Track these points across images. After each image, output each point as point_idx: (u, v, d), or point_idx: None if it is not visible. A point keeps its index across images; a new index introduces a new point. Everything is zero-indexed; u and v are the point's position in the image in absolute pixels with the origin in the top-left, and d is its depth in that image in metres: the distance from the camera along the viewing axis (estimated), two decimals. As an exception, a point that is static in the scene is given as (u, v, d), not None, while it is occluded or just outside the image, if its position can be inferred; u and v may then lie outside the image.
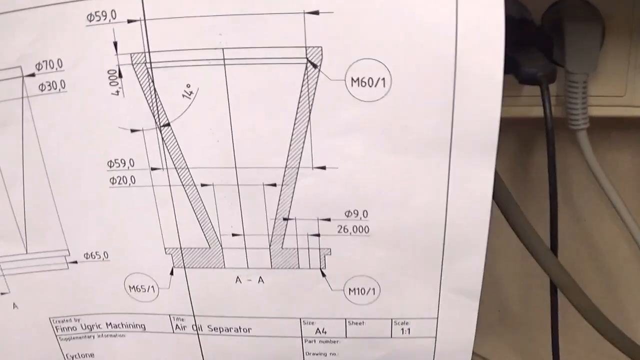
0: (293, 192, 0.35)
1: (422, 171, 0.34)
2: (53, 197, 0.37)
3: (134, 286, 0.39)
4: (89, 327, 0.41)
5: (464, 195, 0.34)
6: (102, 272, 0.39)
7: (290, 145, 0.34)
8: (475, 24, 0.30)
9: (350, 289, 0.38)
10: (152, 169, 0.36)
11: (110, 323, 0.41)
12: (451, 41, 0.31)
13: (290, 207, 0.35)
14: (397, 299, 0.38)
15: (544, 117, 0.38)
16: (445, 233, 0.35)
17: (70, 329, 0.41)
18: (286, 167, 0.34)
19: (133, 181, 0.36)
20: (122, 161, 0.36)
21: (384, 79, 0.32)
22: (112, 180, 0.36)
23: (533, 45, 0.40)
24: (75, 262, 0.39)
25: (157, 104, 0.34)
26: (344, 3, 0.31)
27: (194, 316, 0.40)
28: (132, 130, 0.35)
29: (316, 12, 0.31)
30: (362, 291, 0.38)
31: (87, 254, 0.38)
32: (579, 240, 0.53)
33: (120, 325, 0.41)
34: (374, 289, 0.38)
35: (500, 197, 0.35)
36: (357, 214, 0.35)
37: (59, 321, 0.41)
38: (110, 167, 0.36)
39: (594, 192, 0.51)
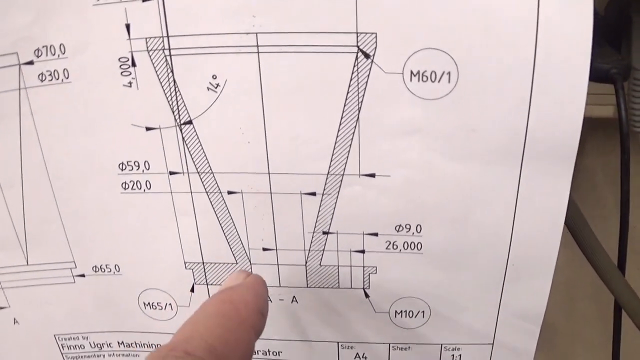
0: (335, 203, 0.29)
1: (488, 182, 0.27)
2: (56, 203, 0.31)
3: (149, 303, 0.33)
4: (99, 345, 0.35)
5: (534, 210, 0.28)
6: (114, 287, 0.33)
7: (334, 149, 0.27)
8: (560, 13, 0.24)
9: (396, 312, 0.32)
10: (171, 173, 0.29)
11: (123, 342, 0.35)
12: (532, 32, 0.24)
13: (331, 219, 0.29)
14: (449, 322, 0.32)
15: (618, 119, 0.31)
16: (509, 253, 0.29)
17: (77, 347, 0.35)
18: (328, 173, 0.28)
19: (148, 186, 0.30)
20: (136, 164, 0.29)
21: (449, 73, 0.25)
22: (124, 185, 0.30)
23: (600, 38, 0.33)
24: (83, 275, 0.33)
25: (177, 98, 0.27)
26: (406, -19, 0.24)
27: (216, 337, 0.34)
28: (148, 128, 0.28)
29: (372, -8, 0.24)
30: (410, 314, 0.31)
31: (95, 266, 0.32)
32: (630, 247, 0.46)
33: (134, 345, 0.35)
34: (423, 311, 0.31)
35: (570, 213, 0.29)
36: (410, 229, 0.29)
37: (65, 339, 0.35)
38: (122, 169, 0.29)
39: None
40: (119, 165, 0.29)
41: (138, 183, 0.30)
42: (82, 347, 0.35)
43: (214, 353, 0.22)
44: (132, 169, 0.29)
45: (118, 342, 0.35)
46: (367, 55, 0.25)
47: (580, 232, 0.31)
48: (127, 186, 0.30)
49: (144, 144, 0.29)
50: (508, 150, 0.26)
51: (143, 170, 0.29)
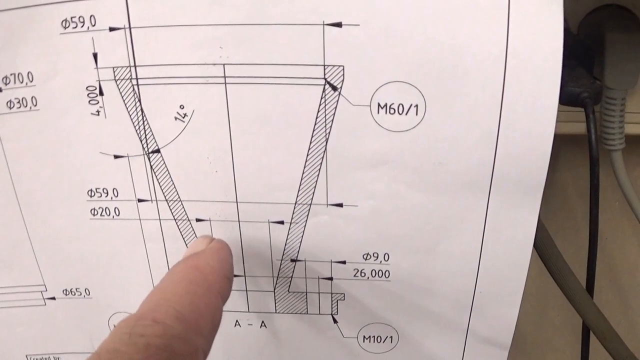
0: (303, 232, 0.27)
1: (456, 213, 0.26)
2: (26, 228, 0.29)
3: (119, 326, 0.32)
4: (70, 366, 0.34)
5: (501, 241, 0.27)
6: (84, 310, 0.31)
7: (301, 179, 0.26)
8: (529, 48, 0.23)
9: (364, 337, 0.30)
10: (139, 200, 0.28)
11: (94, 363, 0.34)
12: (500, 65, 0.23)
13: (299, 247, 0.28)
14: (417, 347, 0.31)
15: (588, 143, 0.31)
16: (477, 281, 0.28)
17: (49, 368, 0.34)
18: (296, 203, 0.27)
19: (117, 213, 0.28)
20: (105, 190, 0.28)
21: (417, 105, 0.24)
22: (92, 211, 0.28)
23: (572, 58, 0.33)
24: (53, 298, 0.31)
25: (144, 127, 0.26)
26: (373, 15, 0.23)
27: None
28: (116, 157, 0.27)
29: (338, 24, 0.23)
30: (378, 339, 0.30)
31: (66, 290, 0.31)
32: (601, 259, 0.45)
33: (105, 366, 0.33)
34: (391, 337, 0.30)
35: (539, 239, 0.28)
36: (377, 257, 0.28)
37: (36, 359, 0.34)
38: (91, 196, 0.28)
39: (618, 209, 0.44)
40: (88, 192, 0.28)
41: (107, 209, 0.28)
42: (54, 367, 0.34)
43: (182, 319, 0.21)
44: (101, 195, 0.28)
45: (90, 364, 0.34)
46: (334, 88, 0.24)
47: (549, 256, 0.30)
48: (95, 212, 0.28)
49: (113, 172, 0.27)
50: (475, 183, 0.25)
51: (112, 197, 0.28)
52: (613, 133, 0.36)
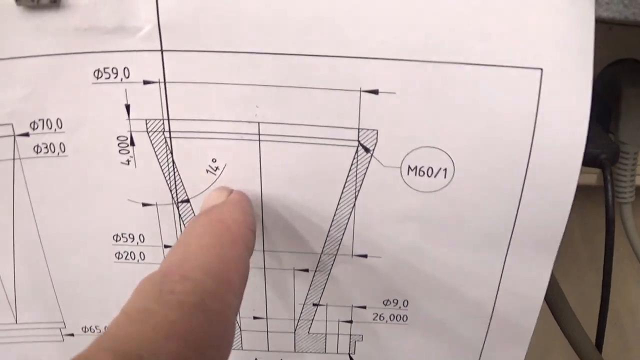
0: (327, 279, 0.27)
1: (475, 266, 0.26)
2: (48, 269, 0.28)
3: (137, 360, 0.31)
4: (85, 395, 0.33)
5: (515, 292, 0.27)
6: (102, 345, 0.31)
7: (329, 232, 0.26)
8: (557, 117, 0.23)
9: (378, 375, 0.31)
10: (166, 246, 0.27)
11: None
12: (528, 134, 0.23)
13: (322, 293, 0.28)
14: (428, 383, 0.31)
15: (605, 204, 0.30)
16: (489, 325, 0.28)
17: (64, 398, 0.33)
18: (322, 253, 0.27)
19: (142, 257, 0.28)
20: (131, 236, 0.27)
21: (445, 169, 0.24)
22: (117, 255, 0.28)
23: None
24: (72, 334, 0.30)
25: (175, 178, 0.26)
26: (409, 84, 0.23)
27: (203, 392, 0.32)
28: (144, 204, 0.26)
29: (375, 92, 0.23)
30: (392, 377, 0.31)
31: (85, 327, 0.30)
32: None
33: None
34: (404, 374, 0.30)
35: (551, 293, 0.28)
36: (397, 303, 0.28)
37: (51, 390, 0.33)
38: (117, 241, 0.27)
39: (623, 255, 0.44)
40: (114, 236, 0.27)
41: (132, 254, 0.28)
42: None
43: (212, 274, 0.19)
44: (127, 240, 0.27)
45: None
46: (367, 150, 0.24)
47: (560, 311, 0.30)
48: (120, 256, 0.28)
49: (140, 219, 0.27)
50: (496, 239, 0.25)
51: (137, 243, 0.27)
52: (624, 186, 0.36)
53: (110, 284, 0.28)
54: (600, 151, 0.29)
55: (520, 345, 0.28)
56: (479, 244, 0.26)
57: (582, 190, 0.38)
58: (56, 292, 0.29)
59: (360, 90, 0.23)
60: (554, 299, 0.29)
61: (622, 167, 0.35)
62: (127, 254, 0.28)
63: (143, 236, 0.27)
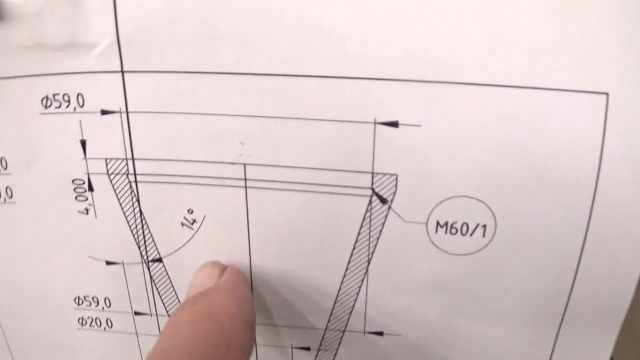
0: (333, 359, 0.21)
1: (517, 347, 0.20)
2: (4, 335, 0.23)
3: None
4: None
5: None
6: None
7: (335, 302, 0.20)
8: (625, 155, 0.17)
9: None
10: (136, 313, 0.22)
11: None
12: (591, 177, 0.17)
13: (327, 376, 0.22)
14: None
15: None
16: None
17: None
18: (327, 329, 0.21)
19: (110, 325, 0.22)
20: (95, 299, 0.22)
21: (484, 226, 0.18)
22: (80, 321, 0.22)
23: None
24: (33, 409, 0.25)
25: (143, 232, 0.20)
26: (440, 114, 0.17)
27: None
28: (108, 263, 0.21)
29: (394, 124, 0.17)
30: None
31: (47, 402, 0.25)
32: None
33: None
34: None
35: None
36: (421, 391, 0.22)
37: None
38: (78, 304, 0.22)
39: None
40: (75, 299, 0.22)
41: (97, 320, 0.22)
42: None
43: None
44: (90, 304, 0.22)
45: None
46: (383, 200, 0.18)
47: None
48: (84, 322, 0.22)
49: (104, 279, 0.21)
50: (546, 314, 0.19)
51: (103, 307, 0.22)
52: None
53: (73, 354, 0.23)
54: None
55: None
56: (525, 320, 0.19)
57: None
58: (14, 358, 0.24)
59: (375, 122, 0.17)
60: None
61: None
62: (92, 320, 0.22)
63: (109, 300, 0.22)
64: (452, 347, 0.20)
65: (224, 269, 0.19)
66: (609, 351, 0.20)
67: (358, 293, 0.20)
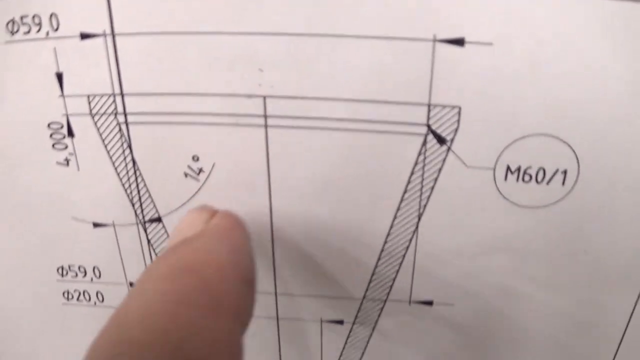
0: (370, 335, 0.17)
1: (591, 316, 0.16)
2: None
3: None
4: None
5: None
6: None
7: (376, 266, 0.16)
8: None
9: None
10: (132, 284, 0.17)
11: None
12: None
13: (361, 356, 0.18)
14: None
15: None
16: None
17: None
18: (365, 298, 0.16)
19: (100, 299, 0.18)
20: (82, 269, 0.17)
21: (565, 172, 0.14)
22: (66, 295, 0.18)
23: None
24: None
25: (138, 186, 0.16)
26: (514, 30, 0.12)
27: None
28: (95, 225, 0.16)
29: (459, 42, 0.13)
30: None
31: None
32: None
33: None
34: None
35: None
36: (474, 367, 0.18)
37: None
38: (62, 275, 0.18)
39: None
40: (58, 269, 0.17)
41: (86, 294, 0.18)
42: None
43: None
44: (77, 275, 0.17)
45: None
46: (441, 140, 0.14)
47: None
48: (70, 296, 0.18)
49: (91, 245, 0.17)
50: (627, 278, 0.15)
51: (92, 279, 0.17)
52: None
53: (59, 333, 0.19)
54: None
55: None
56: (604, 286, 0.15)
57: None
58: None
59: (434, 40, 0.13)
60: None
61: None
62: (80, 293, 0.18)
63: (98, 270, 0.17)
64: (517, 320, 0.16)
65: (213, 213, 0.14)
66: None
67: (404, 255, 0.15)
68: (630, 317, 0.16)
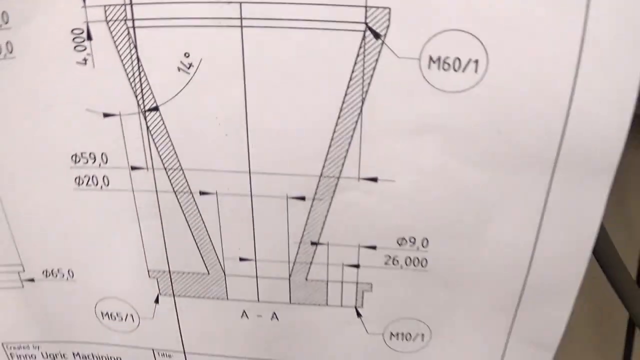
0: (328, 210, 0.23)
1: (511, 192, 0.21)
2: (1, 200, 0.24)
3: (107, 313, 0.27)
4: (52, 356, 0.29)
5: (562, 226, 0.22)
6: (67, 294, 0.26)
7: (329, 147, 0.21)
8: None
9: (392, 334, 0.26)
10: (133, 168, 0.23)
11: (78, 353, 0.29)
12: (580, 17, 0.18)
13: (322, 228, 0.23)
14: (451, 348, 0.26)
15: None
16: (528, 274, 0.23)
17: (28, 357, 0.29)
18: (322, 175, 0.22)
19: (106, 183, 0.23)
20: (92, 156, 0.23)
21: (477, 61, 0.19)
22: (77, 180, 0.23)
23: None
24: (32, 279, 0.26)
25: (140, 80, 0.21)
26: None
27: (184, 353, 0.28)
28: (105, 115, 0.22)
29: (386, -47, 0.18)
30: (407, 337, 0.26)
31: (46, 271, 0.26)
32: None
33: (90, 357, 0.29)
34: (422, 334, 0.26)
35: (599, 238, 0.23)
36: (414, 243, 0.23)
37: (14, 347, 0.29)
38: (75, 162, 0.23)
39: None
40: (72, 157, 0.23)
41: (94, 178, 0.23)
42: (34, 357, 0.29)
43: None
44: (87, 161, 0.23)
45: (73, 354, 0.29)
46: (377, 35, 0.19)
47: (601, 245, 0.25)
48: (80, 181, 0.23)
49: (101, 133, 0.22)
50: (538, 156, 0.20)
51: (100, 164, 0.23)
52: None
53: (70, 217, 0.24)
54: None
55: (565, 299, 0.23)
56: (518, 163, 0.21)
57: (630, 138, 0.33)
58: (11, 229, 0.25)
59: (367, -47, 0.18)
60: (602, 246, 0.24)
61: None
62: (89, 178, 0.23)
63: (106, 155, 0.23)
64: (446, 193, 0.22)
65: None
66: (604, 198, 0.21)
67: (352, 135, 0.21)
68: (548, 193, 0.21)
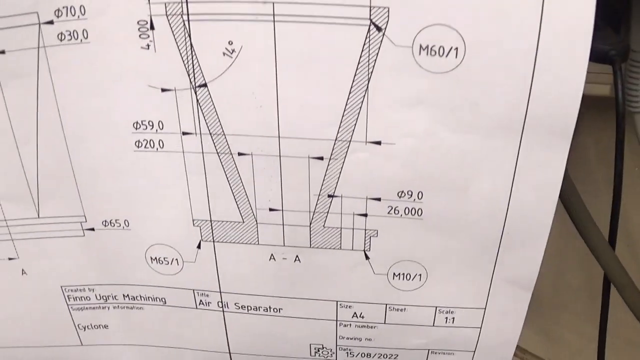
0: (342, 168, 0.31)
1: (488, 154, 0.30)
2: (70, 159, 0.33)
3: (156, 258, 0.36)
4: (104, 297, 0.38)
5: (531, 182, 0.30)
6: (122, 242, 0.35)
7: (342, 117, 0.30)
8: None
9: (394, 274, 0.34)
10: (184, 133, 0.31)
11: (128, 295, 0.38)
12: (536, 15, 0.26)
13: (337, 183, 0.31)
14: (444, 286, 0.34)
15: (615, 99, 0.34)
16: (505, 222, 0.31)
17: (83, 299, 0.38)
18: (336, 139, 0.30)
19: (161, 145, 0.32)
20: (150, 123, 0.31)
21: (456, 48, 0.27)
22: (137, 143, 0.32)
23: (599, 19, 0.36)
24: (92, 229, 0.35)
25: (193, 62, 0.30)
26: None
27: (220, 292, 0.36)
28: (163, 90, 0.30)
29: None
30: (408, 277, 0.34)
31: (105, 221, 0.35)
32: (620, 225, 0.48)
33: (139, 298, 0.38)
34: (420, 274, 0.34)
35: (564, 187, 0.31)
36: (411, 195, 0.31)
37: (71, 290, 0.38)
38: (136, 128, 0.32)
39: (638, 175, 0.47)
40: (134, 124, 0.32)
41: (151, 142, 0.32)
42: (88, 298, 0.38)
43: None
44: (146, 128, 0.32)
45: (123, 295, 0.38)
46: (379, 29, 0.27)
47: (573, 206, 0.34)
48: (140, 144, 0.32)
49: (159, 105, 0.31)
50: (509, 124, 0.29)
51: (157, 130, 0.31)
52: (637, 95, 0.39)
53: (129, 174, 0.33)
54: (610, 48, 0.32)
55: (538, 242, 0.32)
56: (492, 129, 0.29)
57: (594, 107, 0.41)
58: (77, 183, 0.33)
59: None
60: (568, 196, 0.32)
61: (635, 75, 0.38)
62: (147, 141, 0.32)
63: (162, 123, 0.31)
64: (435, 155, 0.30)
65: None
66: (564, 156, 0.29)
67: (360, 108, 0.29)
68: (518, 154, 0.29)
